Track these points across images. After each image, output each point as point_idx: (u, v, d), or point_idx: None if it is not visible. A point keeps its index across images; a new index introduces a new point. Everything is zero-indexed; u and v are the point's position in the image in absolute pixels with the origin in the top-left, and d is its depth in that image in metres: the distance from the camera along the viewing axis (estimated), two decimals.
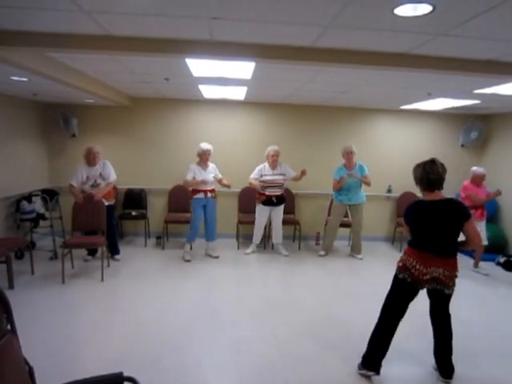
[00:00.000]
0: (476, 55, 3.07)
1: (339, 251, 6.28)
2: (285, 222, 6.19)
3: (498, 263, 5.76)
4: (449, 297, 2.81)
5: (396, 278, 2.83)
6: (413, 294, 2.80)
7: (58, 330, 3.45)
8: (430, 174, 2.70)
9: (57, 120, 6.26)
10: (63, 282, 4.52)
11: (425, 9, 2.16)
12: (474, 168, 5.44)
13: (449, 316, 2.90)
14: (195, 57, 3.30)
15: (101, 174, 5.19)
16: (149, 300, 4.17)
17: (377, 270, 5.45)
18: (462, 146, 6.83)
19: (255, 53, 3.07)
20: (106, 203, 5.15)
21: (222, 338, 3.42)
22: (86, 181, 5.13)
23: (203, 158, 5.48)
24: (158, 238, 6.25)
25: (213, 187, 5.58)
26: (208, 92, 5.55)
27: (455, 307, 3.02)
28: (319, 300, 4.34)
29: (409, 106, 6.10)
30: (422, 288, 2.78)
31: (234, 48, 3.03)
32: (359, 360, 2.95)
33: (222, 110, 6.56)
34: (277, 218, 5.91)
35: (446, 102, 5.50)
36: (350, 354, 3.16)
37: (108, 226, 5.04)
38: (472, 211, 5.23)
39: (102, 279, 4.64)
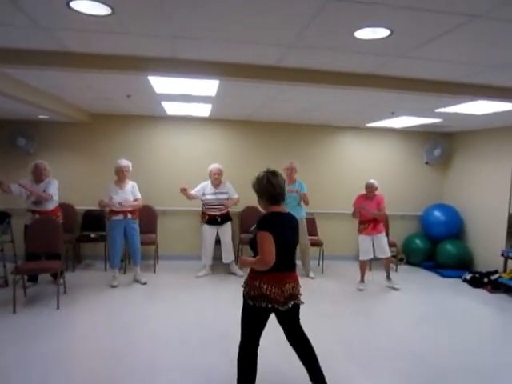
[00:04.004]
0: (434, 76, 3.20)
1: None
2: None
3: (465, 280, 5.74)
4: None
5: (251, 307, 2.55)
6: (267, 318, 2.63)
7: (8, 365, 3.14)
8: (276, 187, 2.56)
9: (9, 137, 5.91)
10: (14, 311, 4.16)
11: (383, 33, 2.25)
12: None
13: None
14: (158, 74, 3.23)
15: (44, 192, 4.93)
16: (109, 327, 3.92)
17: (327, 289, 5.38)
18: (427, 163, 7.03)
19: (219, 71, 3.05)
20: None
21: (189, 366, 3.23)
22: (30, 196, 4.87)
23: (120, 175, 5.16)
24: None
25: (131, 208, 5.20)
26: (171, 109, 5.46)
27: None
28: None
29: (373, 123, 6.25)
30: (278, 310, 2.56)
31: (198, 66, 2.99)
32: None
33: (186, 127, 6.46)
34: (225, 236, 5.74)
35: (410, 120, 5.69)
36: (332, 379, 3.02)
37: None
38: (364, 225, 5.36)
39: (58, 307, 4.33)
